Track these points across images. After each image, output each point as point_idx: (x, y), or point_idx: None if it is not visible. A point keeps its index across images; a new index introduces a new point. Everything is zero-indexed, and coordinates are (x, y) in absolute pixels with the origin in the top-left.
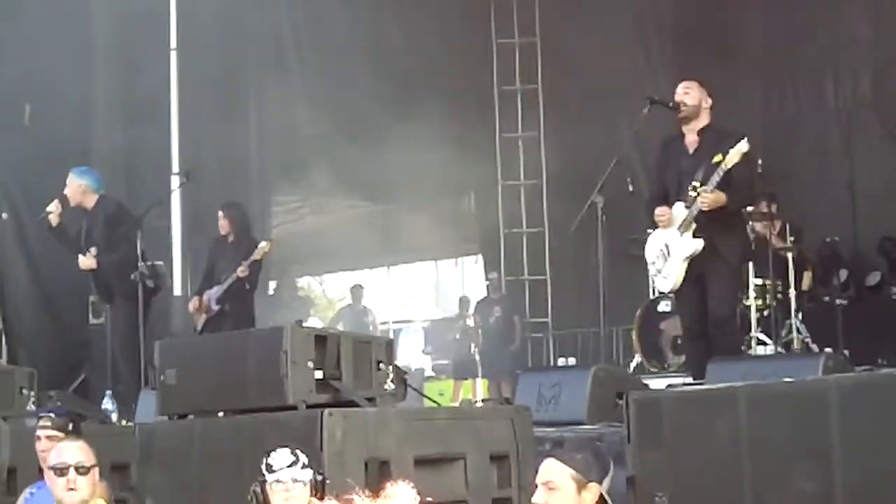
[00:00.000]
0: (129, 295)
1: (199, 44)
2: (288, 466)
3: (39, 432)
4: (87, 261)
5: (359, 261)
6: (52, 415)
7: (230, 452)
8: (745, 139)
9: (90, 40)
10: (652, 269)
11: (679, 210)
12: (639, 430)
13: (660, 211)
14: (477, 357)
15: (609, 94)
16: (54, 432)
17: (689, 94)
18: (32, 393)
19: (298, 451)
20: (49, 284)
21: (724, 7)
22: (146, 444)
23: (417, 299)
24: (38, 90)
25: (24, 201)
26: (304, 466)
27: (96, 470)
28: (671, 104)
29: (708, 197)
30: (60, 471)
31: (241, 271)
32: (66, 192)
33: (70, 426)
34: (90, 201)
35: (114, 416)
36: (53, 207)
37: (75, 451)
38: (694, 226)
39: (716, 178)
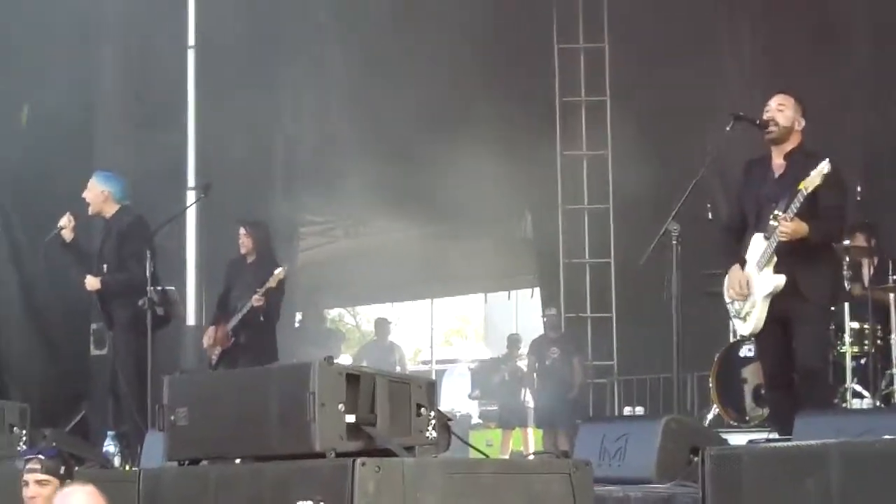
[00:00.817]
0: (131, 323)
1: (221, 42)
2: None
3: (27, 476)
4: (92, 281)
5: (398, 291)
6: (41, 456)
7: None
8: (828, 160)
9: (97, 36)
10: (731, 310)
11: (758, 243)
12: (716, 492)
13: (735, 282)
14: (530, 403)
15: (687, 109)
16: (45, 477)
17: (782, 111)
18: (24, 431)
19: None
20: (45, 310)
21: (824, 11)
22: (151, 492)
23: (465, 337)
24: (37, 89)
25: (18, 216)
26: None
27: None
28: (759, 121)
29: (787, 226)
30: None
31: (256, 300)
32: (85, 195)
33: (62, 470)
34: (110, 211)
35: (116, 460)
36: (66, 221)
37: (84, 498)
38: (775, 260)
39: (795, 204)
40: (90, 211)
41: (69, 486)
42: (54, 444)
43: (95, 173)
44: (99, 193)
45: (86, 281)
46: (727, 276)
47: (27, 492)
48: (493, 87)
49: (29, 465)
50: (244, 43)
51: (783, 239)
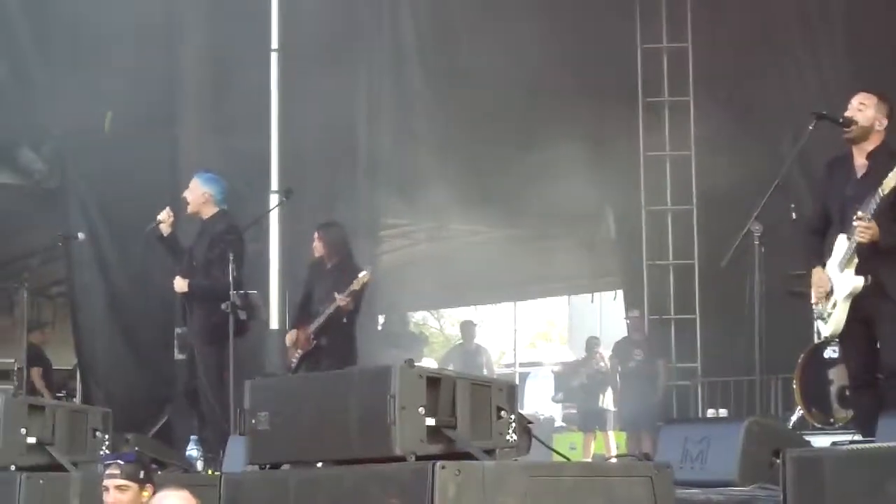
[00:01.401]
0: (210, 330)
1: (305, 44)
2: None
3: (107, 482)
4: (181, 283)
5: (481, 294)
6: (120, 462)
7: None
8: None
9: (180, 39)
10: (816, 311)
11: (841, 243)
12: (797, 495)
13: (817, 281)
14: (610, 406)
15: (771, 108)
16: (124, 482)
17: (863, 110)
18: (106, 436)
19: None
20: (130, 314)
21: None
22: (233, 496)
23: (549, 339)
24: (120, 95)
25: (102, 220)
26: None
27: None
28: (841, 120)
29: (866, 228)
30: None
31: (341, 300)
32: (185, 194)
33: (142, 474)
34: (208, 213)
35: (199, 465)
36: (165, 215)
37: (178, 502)
38: (856, 261)
39: (873, 205)
40: (189, 210)
41: (165, 490)
42: (136, 448)
43: (198, 174)
44: (200, 195)
45: (175, 282)
46: (811, 277)
47: (107, 497)
48: (575, 87)
49: (109, 471)
50: (326, 46)
51: (862, 240)
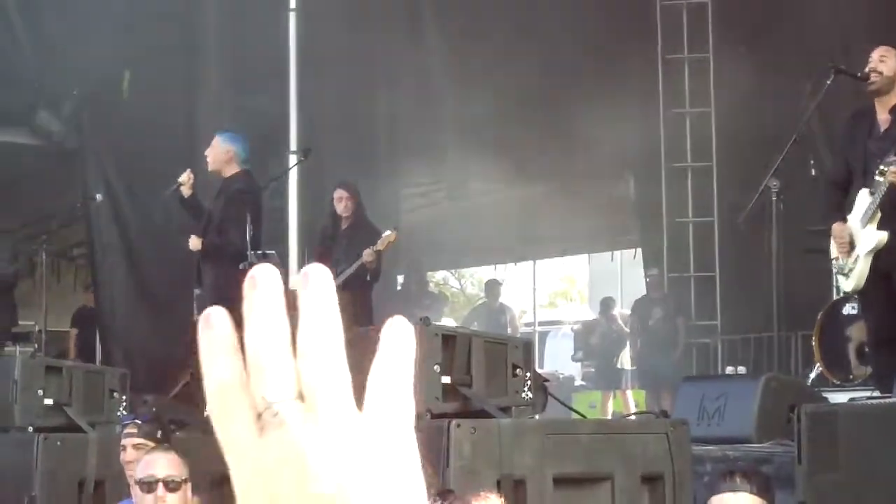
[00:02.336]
0: (220, 287)
1: (322, 4)
2: None
3: (125, 441)
4: (195, 241)
5: (501, 253)
6: (138, 421)
7: None
8: None
9: (198, 0)
10: (835, 266)
11: (863, 198)
12: (811, 450)
13: (839, 233)
14: (627, 365)
15: (791, 63)
16: (141, 441)
17: (885, 62)
18: (124, 397)
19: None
20: (150, 274)
21: None
22: None
23: (569, 298)
24: (138, 55)
25: (120, 181)
26: None
27: (188, 486)
28: (860, 74)
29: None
30: (148, 485)
31: (368, 254)
32: (207, 152)
33: (159, 434)
34: (229, 171)
35: None
36: (186, 177)
37: (165, 464)
38: (879, 215)
39: None
40: (210, 168)
41: (151, 452)
42: (154, 409)
43: (219, 132)
44: (223, 152)
45: (190, 240)
46: (832, 231)
47: (125, 456)
48: (594, 45)
49: (126, 430)
50: (344, 5)
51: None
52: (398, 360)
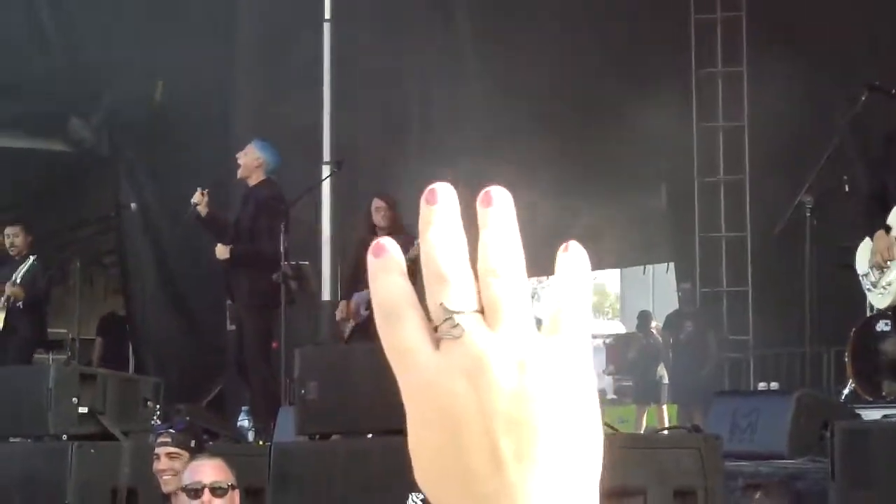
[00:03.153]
0: (256, 297)
1: (357, 13)
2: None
3: (158, 450)
4: (222, 249)
5: (531, 265)
6: (171, 430)
7: (378, 479)
8: None
9: (232, 8)
10: (865, 283)
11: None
12: (845, 467)
13: (877, 241)
14: (664, 379)
15: (825, 78)
16: (175, 450)
17: None
18: (158, 406)
19: None
20: (182, 284)
21: None
22: (282, 466)
23: (601, 312)
24: (172, 64)
25: (153, 189)
26: None
27: (236, 493)
28: (894, 91)
29: None
30: (194, 492)
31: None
32: (239, 157)
33: (192, 443)
34: (256, 179)
35: (250, 435)
36: (198, 197)
37: (211, 470)
38: None
39: None
40: (239, 174)
41: (198, 458)
42: (187, 418)
43: (254, 141)
44: (255, 159)
45: (216, 249)
46: (867, 243)
47: (158, 465)
48: (628, 58)
49: (160, 439)
50: (379, 16)
51: None
52: (575, 284)
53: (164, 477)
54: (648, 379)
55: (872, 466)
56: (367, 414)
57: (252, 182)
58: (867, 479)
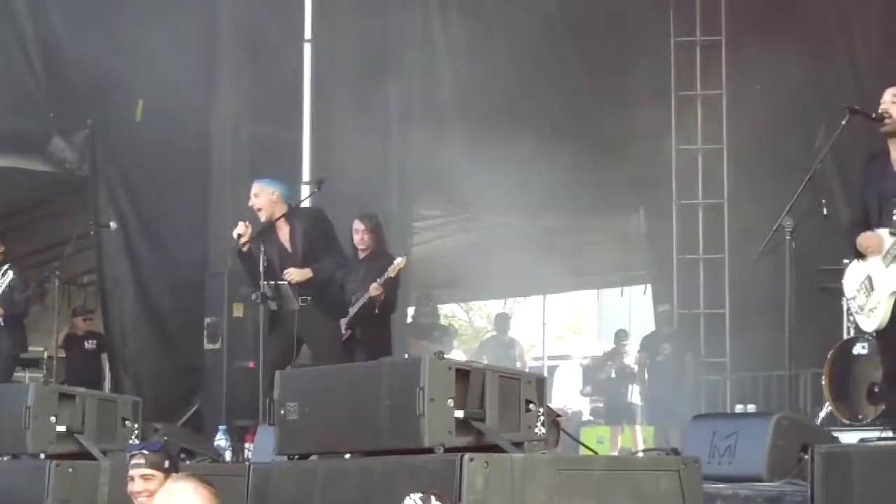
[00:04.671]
0: (332, 307)
1: (337, 35)
2: None
3: (132, 472)
4: (300, 272)
5: (511, 286)
6: (145, 451)
7: (357, 499)
8: None
9: (212, 28)
10: (852, 305)
11: (883, 237)
12: (825, 491)
13: (864, 239)
14: (638, 400)
15: (804, 103)
16: (149, 471)
17: None
18: (136, 425)
19: (432, 497)
20: (160, 304)
21: None
22: (261, 486)
23: (577, 332)
24: (152, 83)
25: (133, 209)
26: None
27: None
28: (874, 115)
29: None
30: None
31: (375, 289)
32: (254, 203)
33: (167, 464)
34: (280, 212)
35: (227, 454)
36: (243, 229)
37: (189, 495)
38: None
39: None
40: (264, 217)
41: (174, 480)
42: (165, 437)
43: (257, 180)
44: (270, 195)
45: (290, 274)
46: (854, 266)
47: (132, 486)
48: (607, 80)
49: (133, 461)
50: (358, 39)
51: None
52: None
53: (139, 499)
54: (621, 400)
55: (853, 491)
56: (346, 434)
57: (277, 215)
58: (847, 502)
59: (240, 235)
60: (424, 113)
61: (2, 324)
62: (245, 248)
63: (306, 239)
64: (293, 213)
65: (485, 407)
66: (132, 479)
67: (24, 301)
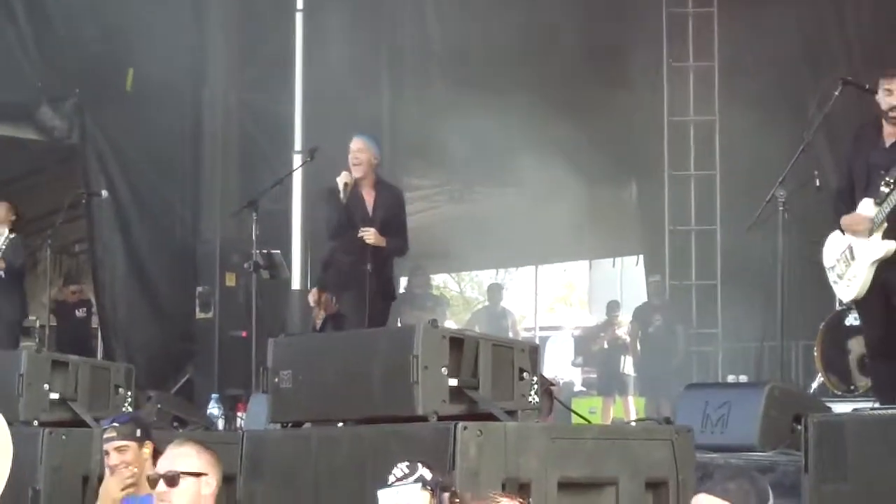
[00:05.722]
0: (389, 287)
1: (329, 4)
2: (398, 480)
3: (106, 446)
4: (378, 236)
5: (503, 258)
6: (115, 423)
7: (350, 467)
8: None
9: None
10: (831, 275)
11: (867, 208)
12: (819, 460)
13: (852, 222)
14: (631, 371)
15: (796, 73)
16: (122, 443)
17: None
18: (129, 392)
19: (419, 465)
20: (151, 273)
21: None
22: (254, 454)
23: (569, 304)
24: (143, 52)
25: (123, 178)
26: (418, 481)
27: (197, 480)
28: (868, 86)
29: None
30: (154, 482)
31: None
32: (360, 156)
33: (138, 432)
34: (372, 176)
35: (220, 423)
36: (349, 178)
37: (167, 461)
38: (885, 226)
39: None
40: (359, 174)
41: (176, 444)
42: (158, 405)
43: (364, 136)
44: (372, 157)
45: (369, 233)
46: (834, 237)
47: (109, 461)
48: (599, 51)
49: (106, 435)
50: (351, 8)
51: None
52: None
53: (120, 470)
54: (614, 370)
55: (846, 460)
56: (339, 402)
57: (366, 180)
58: (841, 472)
59: (346, 185)
60: (416, 83)
61: (3, 276)
62: (344, 200)
63: (389, 213)
64: (381, 182)
65: (478, 375)
66: (107, 453)
67: (23, 261)
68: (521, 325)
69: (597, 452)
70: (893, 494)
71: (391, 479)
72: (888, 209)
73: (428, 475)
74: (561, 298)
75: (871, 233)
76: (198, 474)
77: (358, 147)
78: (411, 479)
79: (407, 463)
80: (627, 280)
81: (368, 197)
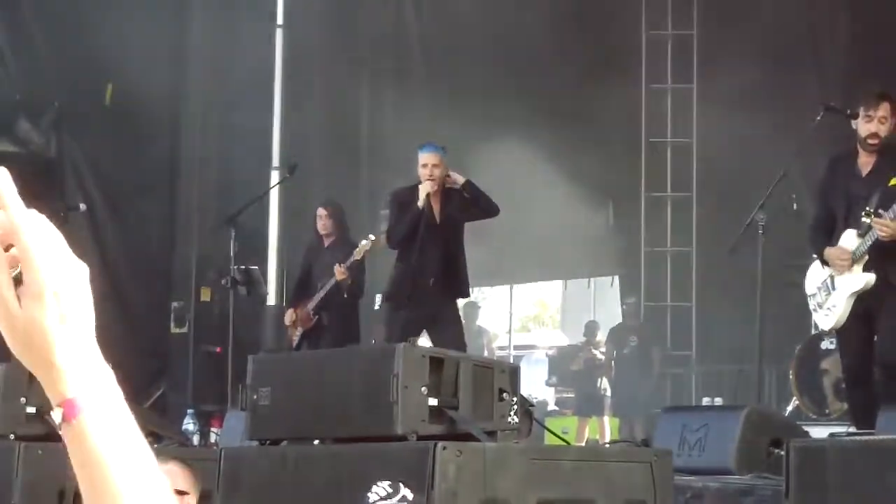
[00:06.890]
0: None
1: (309, 19)
2: (381, 499)
3: None
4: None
5: (478, 277)
6: None
7: (327, 486)
8: None
9: (185, 11)
10: (811, 303)
11: (849, 239)
12: (800, 484)
13: (835, 257)
14: (607, 392)
15: (775, 97)
16: None
17: (884, 124)
18: None
19: (401, 485)
20: (127, 287)
21: None
22: (231, 471)
23: (542, 323)
24: (122, 66)
25: (100, 192)
26: (402, 501)
27: (181, 499)
28: (849, 112)
29: (889, 226)
30: None
31: (340, 273)
32: (431, 174)
33: None
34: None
35: (195, 439)
36: (431, 188)
37: (171, 478)
38: (866, 258)
39: (892, 205)
40: (432, 188)
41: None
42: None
43: (439, 149)
44: (445, 169)
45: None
46: (817, 265)
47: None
48: (578, 72)
49: None
50: (330, 24)
51: (883, 238)
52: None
53: None
54: (591, 391)
55: (827, 485)
56: (317, 420)
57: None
58: (822, 497)
59: (428, 195)
60: (396, 99)
61: None
62: (422, 207)
63: (460, 208)
64: (446, 191)
65: (458, 395)
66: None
67: None
68: (495, 344)
69: (576, 474)
70: None
71: (373, 497)
72: (870, 242)
73: (410, 496)
74: (532, 317)
75: (852, 264)
76: (181, 493)
77: (433, 163)
78: (395, 499)
79: (388, 482)
80: (600, 300)
81: (435, 206)
